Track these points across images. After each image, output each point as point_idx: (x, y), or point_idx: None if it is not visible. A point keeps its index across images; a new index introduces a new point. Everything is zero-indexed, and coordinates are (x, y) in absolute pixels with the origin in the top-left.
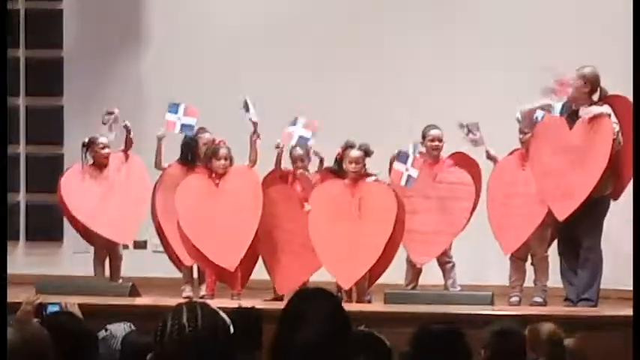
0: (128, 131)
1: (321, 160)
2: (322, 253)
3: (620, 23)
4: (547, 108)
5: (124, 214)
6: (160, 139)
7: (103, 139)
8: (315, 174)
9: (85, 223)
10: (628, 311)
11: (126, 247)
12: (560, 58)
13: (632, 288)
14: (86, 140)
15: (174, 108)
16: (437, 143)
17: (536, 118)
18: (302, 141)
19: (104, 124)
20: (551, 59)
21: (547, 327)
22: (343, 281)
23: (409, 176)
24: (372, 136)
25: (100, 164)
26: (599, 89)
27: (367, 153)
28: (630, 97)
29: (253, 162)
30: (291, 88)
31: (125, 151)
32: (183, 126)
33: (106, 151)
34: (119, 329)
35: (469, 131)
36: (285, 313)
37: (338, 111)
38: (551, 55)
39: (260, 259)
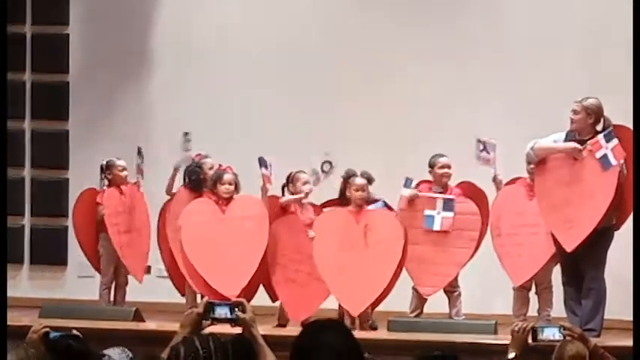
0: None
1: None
2: (330, 281)
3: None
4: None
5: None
6: (176, 169)
7: (121, 162)
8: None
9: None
10: (631, 342)
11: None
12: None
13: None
14: (104, 162)
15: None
16: (446, 170)
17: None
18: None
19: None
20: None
21: (572, 347)
22: (352, 308)
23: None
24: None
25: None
26: (602, 119)
27: (369, 180)
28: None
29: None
30: (303, 115)
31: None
32: None
33: (125, 173)
34: (114, 353)
35: (484, 148)
36: (298, 343)
37: (345, 138)
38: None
39: (260, 288)
